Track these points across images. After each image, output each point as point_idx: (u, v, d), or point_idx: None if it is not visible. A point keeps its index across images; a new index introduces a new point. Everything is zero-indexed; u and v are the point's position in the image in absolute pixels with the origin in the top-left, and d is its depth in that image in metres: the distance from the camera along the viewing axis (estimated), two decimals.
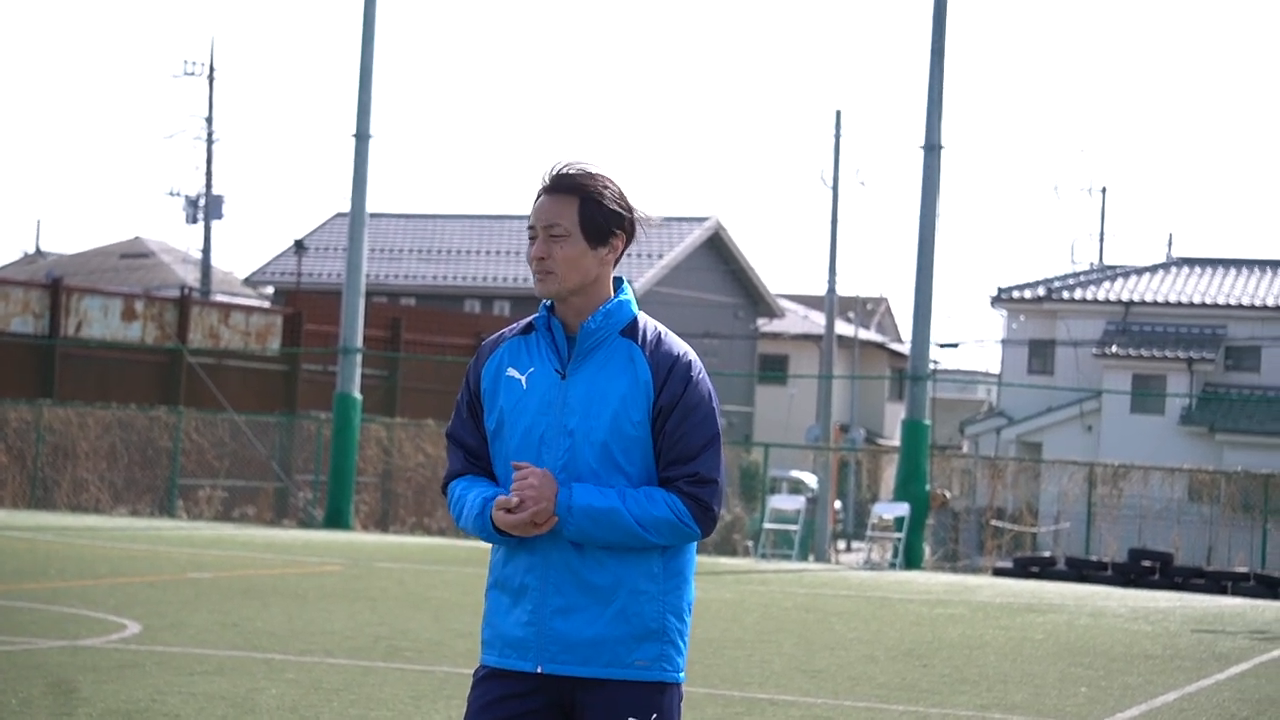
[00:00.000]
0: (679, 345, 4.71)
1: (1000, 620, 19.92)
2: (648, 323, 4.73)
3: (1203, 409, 51.99)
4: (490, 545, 4.79)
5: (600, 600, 4.60)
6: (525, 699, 4.64)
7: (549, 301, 4.73)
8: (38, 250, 78.18)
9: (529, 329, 4.77)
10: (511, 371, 4.73)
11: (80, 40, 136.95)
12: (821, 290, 52.15)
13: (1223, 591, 28.27)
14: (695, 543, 4.75)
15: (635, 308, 4.75)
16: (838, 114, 51.24)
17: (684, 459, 4.62)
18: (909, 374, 32.27)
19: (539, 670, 4.62)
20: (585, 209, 4.66)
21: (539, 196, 4.71)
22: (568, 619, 4.61)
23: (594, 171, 4.71)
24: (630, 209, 4.73)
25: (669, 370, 4.64)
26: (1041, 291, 55.42)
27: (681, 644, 4.70)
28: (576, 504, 4.53)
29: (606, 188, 4.69)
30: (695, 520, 4.61)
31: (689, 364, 4.67)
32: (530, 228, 4.72)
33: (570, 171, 4.70)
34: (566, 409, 4.65)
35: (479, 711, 4.67)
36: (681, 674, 4.70)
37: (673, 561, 4.68)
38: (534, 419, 4.66)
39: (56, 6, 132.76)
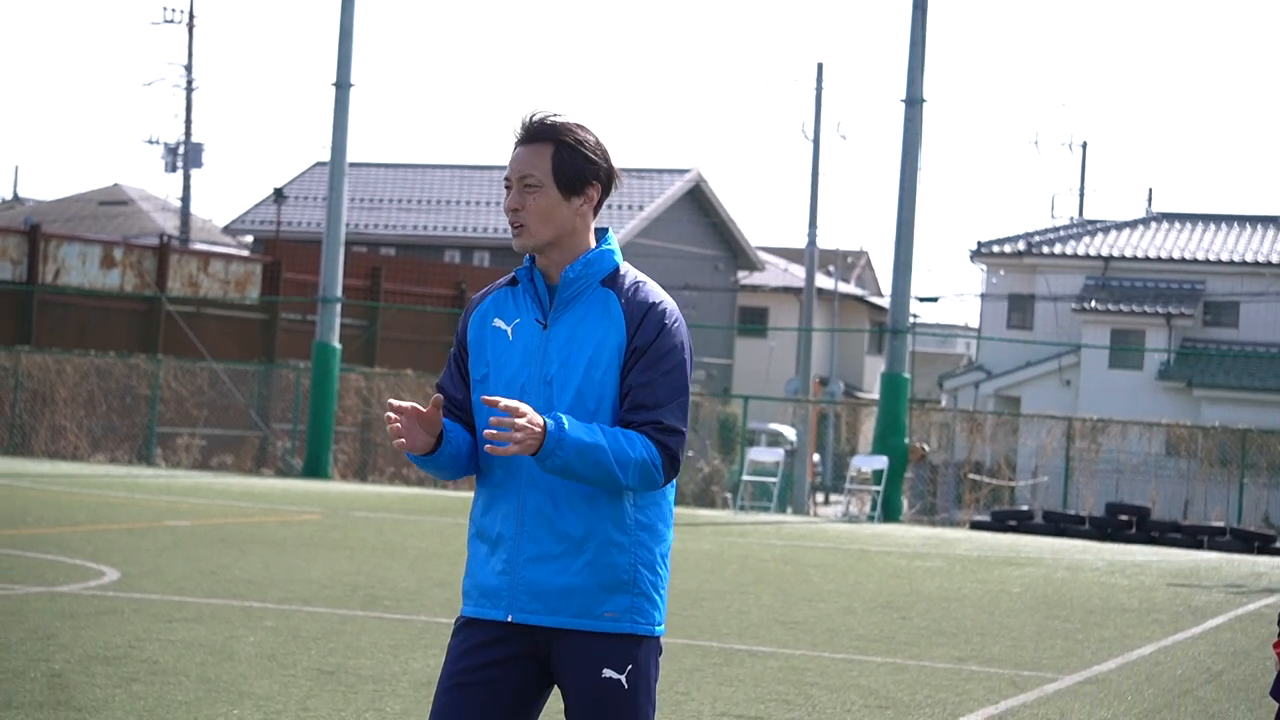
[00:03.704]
0: (657, 294, 4.67)
1: (978, 573, 19.98)
2: (629, 272, 4.69)
3: (1181, 364, 52.10)
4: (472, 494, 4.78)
5: (572, 550, 4.57)
6: (502, 646, 4.62)
7: (531, 254, 4.71)
8: (15, 196, 77.90)
9: (514, 281, 4.75)
10: (498, 322, 4.71)
11: None
12: (802, 243, 52.14)
13: (1199, 546, 28.38)
14: (671, 493, 4.74)
15: (618, 257, 4.71)
16: (819, 67, 51.14)
17: (649, 405, 4.58)
18: (888, 328, 32.29)
19: (510, 619, 4.60)
20: (559, 157, 4.60)
21: (515, 148, 4.67)
22: (539, 568, 4.58)
23: (568, 120, 4.66)
24: (607, 159, 4.67)
25: (643, 316, 4.60)
26: (1021, 246, 55.43)
27: (656, 597, 4.65)
28: (568, 437, 4.46)
29: (582, 136, 4.64)
30: (663, 466, 4.58)
31: (664, 311, 4.62)
32: (506, 179, 4.67)
33: (544, 119, 4.64)
34: (547, 359, 4.63)
35: (458, 658, 4.66)
36: (657, 627, 4.66)
37: (645, 512, 4.64)
38: (518, 369, 4.65)
39: None
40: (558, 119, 4.65)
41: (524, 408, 4.45)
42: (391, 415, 4.55)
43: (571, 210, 4.63)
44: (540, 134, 4.63)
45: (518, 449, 4.44)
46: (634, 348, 4.59)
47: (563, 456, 4.47)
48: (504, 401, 4.44)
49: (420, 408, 4.58)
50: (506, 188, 4.66)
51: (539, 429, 4.44)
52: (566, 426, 4.47)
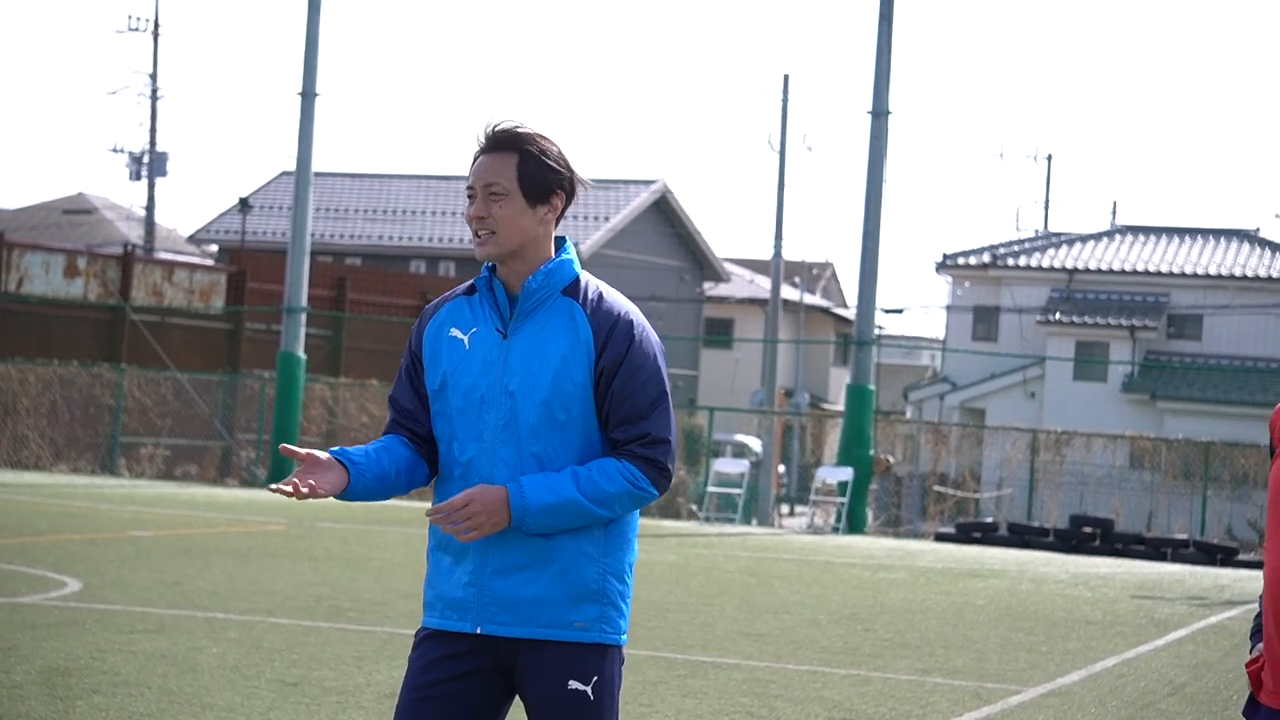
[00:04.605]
0: (621, 304, 4.66)
1: (942, 585, 20.00)
2: (590, 281, 4.68)
3: (1145, 376, 52.27)
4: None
5: (540, 560, 4.57)
6: (466, 659, 4.61)
7: (491, 262, 4.69)
8: None
9: (472, 290, 4.73)
10: (454, 332, 4.69)
11: None
12: (768, 255, 52.20)
13: (1162, 558, 28.46)
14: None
15: (578, 267, 4.71)
16: (786, 78, 51.22)
17: (633, 419, 4.58)
18: (854, 339, 32.33)
19: (478, 631, 4.59)
20: (524, 166, 4.60)
21: (477, 157, 4.66)
22: (507, 578, 4.58)
23: (532, 130, 4.66)
24: (570, 168, 4.67)
25: (610, 329, 4.60)
26: (986, 258, 55.56)
27: (623, 606, 4.66)
28: (531, 505, 4.50)
29: (546, 146, 4.64)
30: (652, 483, 4.59)
31: (631, 322, 4.62)
32: (469, 188, 4.66)
33: (509, 129, 4.64)
34: (507, 369, 4.61)
35: (420, 672, 4.64)
36: (623, 636, 4.67)
37: (615, 523, 4.64)
38: (476, 379, 4.63)
39: None
40: (522, 128, 4.64)
41: (471, 496, 4.50)
42: (289, 486, 4.49)
43: (536, 219, 4.62)
44: (505, 143, 4.62)
45: (481, 534, 4.49)
46: (606, 362, 4.58)
47: (534, 522, 4.52)
48: (445, 507, 4.51)
49: (306, 453, 4.54)
50: (470, 197, 4.65)
51: (499, 501, 4.49)
52: (527, 493, 4.49)
